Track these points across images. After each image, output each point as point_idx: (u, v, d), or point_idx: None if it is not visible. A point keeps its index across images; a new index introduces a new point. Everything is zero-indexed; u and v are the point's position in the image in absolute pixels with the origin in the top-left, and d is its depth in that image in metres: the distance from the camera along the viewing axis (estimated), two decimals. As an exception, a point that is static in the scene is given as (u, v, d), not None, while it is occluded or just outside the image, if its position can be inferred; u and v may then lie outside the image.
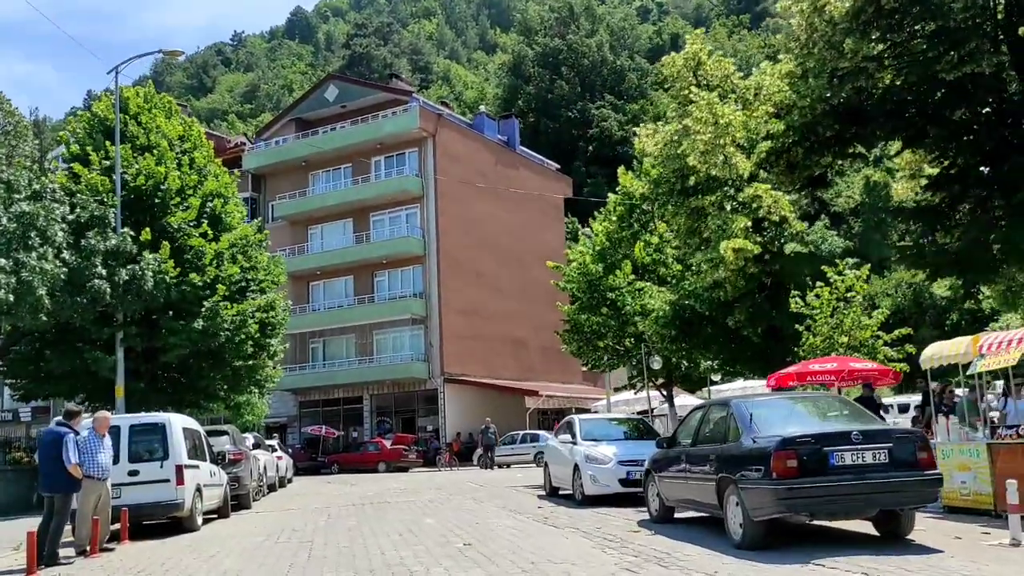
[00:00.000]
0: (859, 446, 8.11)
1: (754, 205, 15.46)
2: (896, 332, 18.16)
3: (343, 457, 38.99)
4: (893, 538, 8.72)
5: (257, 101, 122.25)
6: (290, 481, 28.88)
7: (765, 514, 8.26)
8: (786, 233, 16.47)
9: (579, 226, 66.37)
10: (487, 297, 45.45)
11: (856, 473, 8.03)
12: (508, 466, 32.63)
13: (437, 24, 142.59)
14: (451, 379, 42.44)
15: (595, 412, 30.02)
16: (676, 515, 11.23)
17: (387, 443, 37.86)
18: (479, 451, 34.14)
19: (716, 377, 26.05)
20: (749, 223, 15.32)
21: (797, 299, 16.50)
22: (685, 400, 30.18)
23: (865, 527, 9.40)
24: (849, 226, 63.96)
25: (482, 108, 59.45)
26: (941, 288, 63.72)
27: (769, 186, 15.50)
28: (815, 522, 9.15)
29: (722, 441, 9.24)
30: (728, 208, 16.16)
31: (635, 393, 28.86)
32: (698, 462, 9.71)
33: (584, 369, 50.75)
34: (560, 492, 16.90)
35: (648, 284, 20.98)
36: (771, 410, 9.24)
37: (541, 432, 36.80)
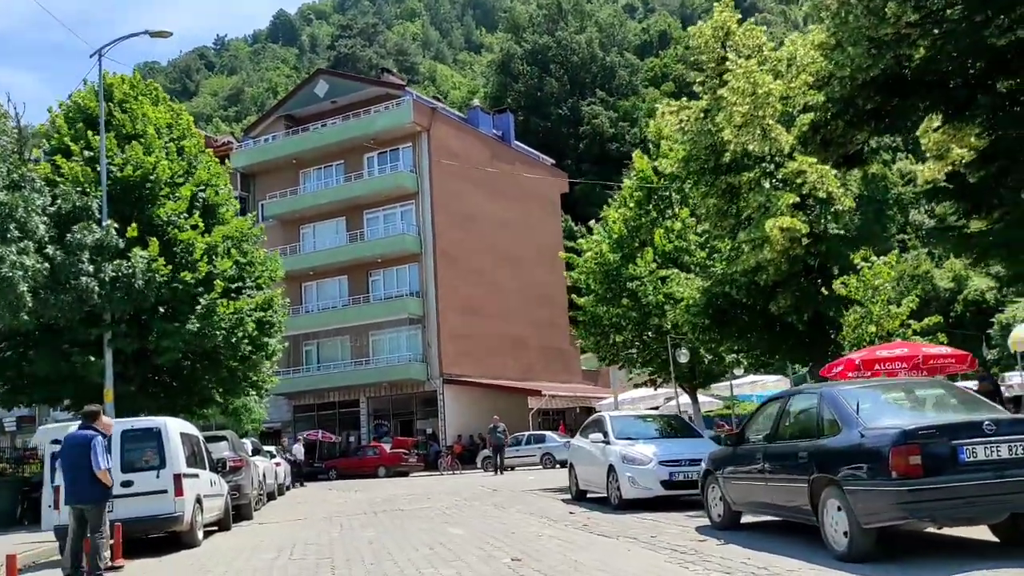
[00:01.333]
0: (992, 438, 6.83)
1: (798, 181, 14.26)
2: (927, 320, 17.12)
3: (342, 462, 37.64)
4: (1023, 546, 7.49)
5: (242, 104, 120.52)
6: (288, 488, 27.63)
7: (880, 521, 7.01)
8: (831, 211, 15.30)
9: (572, 224, 65.14)
10: (485, 295, 44.11)
11: (992, 470, 6.76)
12: (512, 468, 31.26)
13: (422, 25, 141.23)
14: (450, 380, 41.08)
15: (599, 411, 28.64)
16: (743, 521, 10.03)
17: (386, 447, 36.54)
18: (485, 452, 32.77)
19: (738, 371, 24.76)
20: (797, 199, 14.13)
21: (841, 282, 15.48)
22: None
23: (976, 533, 8.16)
24: (849, 219, 63.19)
25: (475, 102, 58.09)
26: (944, 280, 63.36)
27: (815, 159, 14.31)
28: (921, 530, 7.91)
29: (815, 436, 7.97)
30: (767, 185, 14.97)
31: (655, 389, 27.52)
32: (781, 460, 8.44)
33: (584, 368, 49.61)
34: (589, 496, 15.69)
35: (674, 271, 19.72)
36: (874, 398, 7.97)
37: (547, 433, 35.58)
